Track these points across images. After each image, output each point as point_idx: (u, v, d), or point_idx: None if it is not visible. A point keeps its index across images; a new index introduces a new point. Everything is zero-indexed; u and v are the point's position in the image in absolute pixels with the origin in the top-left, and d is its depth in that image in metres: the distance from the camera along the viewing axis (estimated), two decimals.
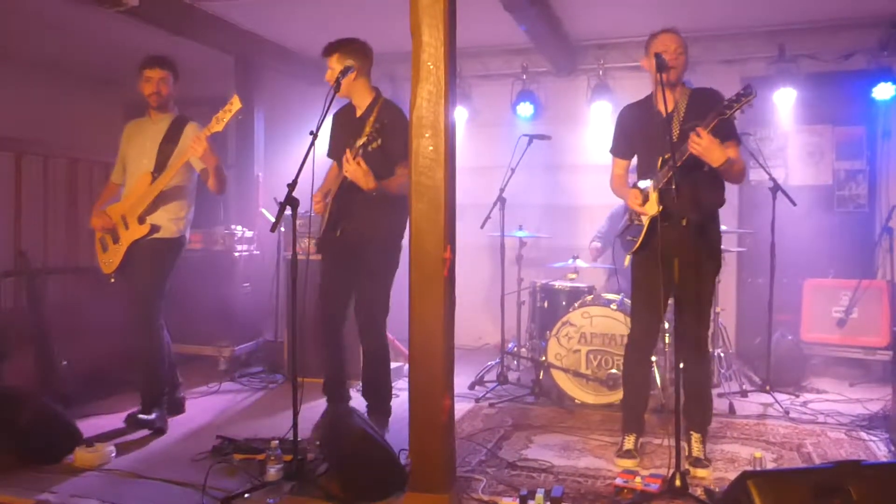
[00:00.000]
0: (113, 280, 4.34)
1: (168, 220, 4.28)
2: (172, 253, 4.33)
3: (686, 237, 3.52)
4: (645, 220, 3.65)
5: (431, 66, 3.05)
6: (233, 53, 6.48)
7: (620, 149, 3.90)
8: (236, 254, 5.90)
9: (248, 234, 6.08)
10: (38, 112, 6.47)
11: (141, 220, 4.22)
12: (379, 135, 3.76)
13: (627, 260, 3.88)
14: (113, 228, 4.29)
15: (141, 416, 4.17)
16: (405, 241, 3.17)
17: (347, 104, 4.24)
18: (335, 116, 4.31)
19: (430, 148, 3.07)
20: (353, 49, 4.03)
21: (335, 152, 4.21)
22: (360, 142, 3.76)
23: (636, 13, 5.59)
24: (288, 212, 3.36)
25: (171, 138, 4.30)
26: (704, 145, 3.34)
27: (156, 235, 4.23)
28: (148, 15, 5.10)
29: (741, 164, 3.62)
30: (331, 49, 4.04)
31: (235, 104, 3.99)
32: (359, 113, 4.11)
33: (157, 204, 4.24)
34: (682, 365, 3.58)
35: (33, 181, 6.02)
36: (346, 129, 4.09)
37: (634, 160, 3.90)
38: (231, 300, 5.82)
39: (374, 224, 3.99)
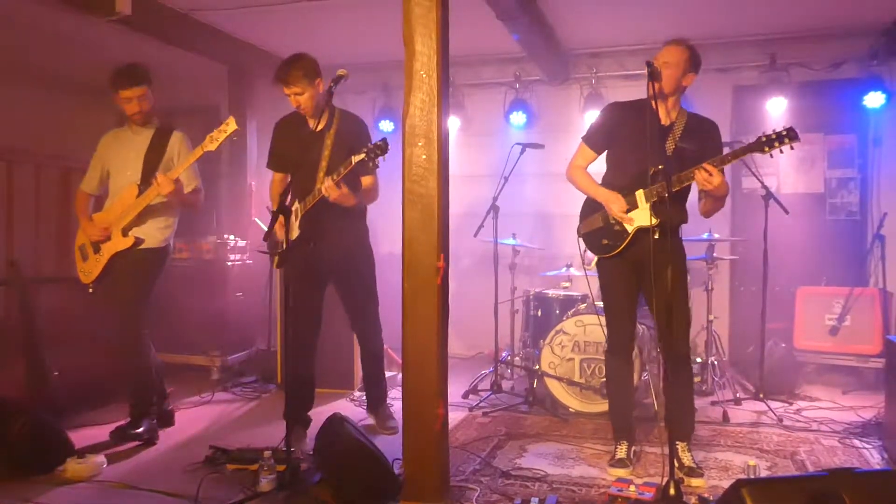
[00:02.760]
0: (91, 290, 4.25)
1: (155, 230, 4.21)
2: (157, 263, 4.27)
3: (663, 249, 3.45)
4: (631, 229, 3.61)
5: (424, 75, 3.05)
6: (226, 63, 6.48)
7: (597, 142, 3.79)
8: (229, 263, 5.89)
9: (241, 243, 6.07)
10: (30, 121, 6.46)
11: (125, 233, 4.14)
12: (348, 154, 3.74)
13: (594, 263, 3.86)
14: (103, 238, 4.21)
15: (130, 430, 4.11)
16: (398, 249, 3.16)
17: (294, 114, 4.15)
18: (281, 127, 4.23)
19: (423, 157, 3.08)
20: (315, 67, 3.94)
21: (281, 164, 4.20)
22: (346, 165, 3.72)
23: (628, 22, 5.61)
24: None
25: (155, 149, 4.21)
26: (716, 183, 3.33)
27: (140, 246, 4.17)
28: (141, 24, 5.09)
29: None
30: (295, 76, 3.86)
31: (231, 125, 3.87)
32: (317, 126, 3.94)
33: (144, 216, 4.16)
34: (670, 376, 3.59)
35: (25, 190, 6.00)
36: (300, 143, 3.94)
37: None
38: (224, 309, 5.80)
39: (353, 235, 4.16)
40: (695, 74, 3.59)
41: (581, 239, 3.89)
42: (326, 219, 3.96)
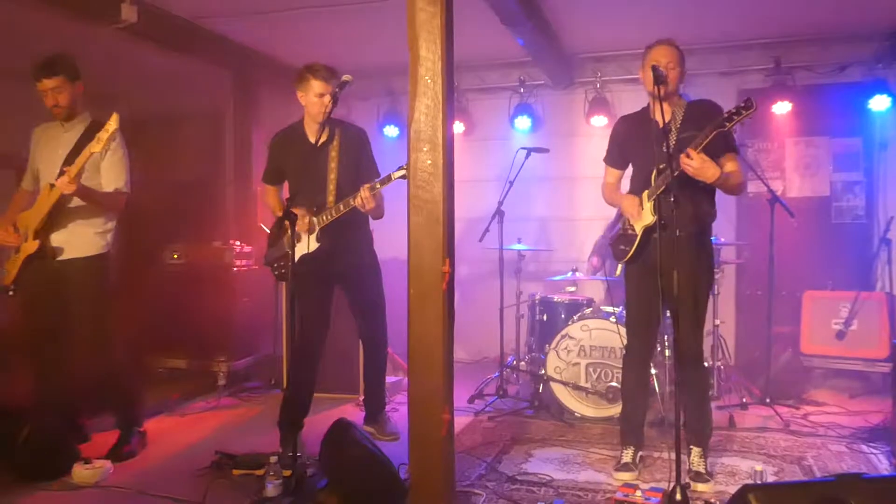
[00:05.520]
0: (11, 293, 3.96)
1: (78, 237, 3.91)
2: (99, 272, 3.98)
3: (681, 249, 3.47)
4: (638, 230, 3.63)
5: (429, 81, 3.06)
6: (231, 69, 6.50)
7: (614, 159, 3.89)
8: (235, 268, 5.90)
9: (247, 248, 6.08)
10: (31, 128, 6.47)
11: (36, 235, 3.85)
12: (355, 165, 3.95)
13: (619, 269, 3.88)
14: (16, 240, 3.92)
15: (122, 449, 4.02)
16: (403, 255, 3.16)
17: (290, 128, 4.18)
18: (278, 142, 4.22)
19: (429, 162, 3.08)
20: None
21: (277, 178, 4.25)
22: (384, 181, 3.81)
23: (633, 26, 5.61)
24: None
25: (82, 147, 3.82)
26: (696, 166, 3.33)
27: (81, 255, 3.90)
28: (146, 31, 5.10)
29: (739, 177, 3.59)
30: (330, 76, 3.95)
31: (112, 124, 3.63)
32: (320, 139, 3.95)
33: (64, 220, 3.87)
34: (680, 378, 3.58)
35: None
36: (302, 157, 3.97)
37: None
38: (230, 314, 5.80)
39: (365, 246, 4.25)
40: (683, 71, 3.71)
41: (609, 249, 3.95)
42: (342, 231, 4.02)
